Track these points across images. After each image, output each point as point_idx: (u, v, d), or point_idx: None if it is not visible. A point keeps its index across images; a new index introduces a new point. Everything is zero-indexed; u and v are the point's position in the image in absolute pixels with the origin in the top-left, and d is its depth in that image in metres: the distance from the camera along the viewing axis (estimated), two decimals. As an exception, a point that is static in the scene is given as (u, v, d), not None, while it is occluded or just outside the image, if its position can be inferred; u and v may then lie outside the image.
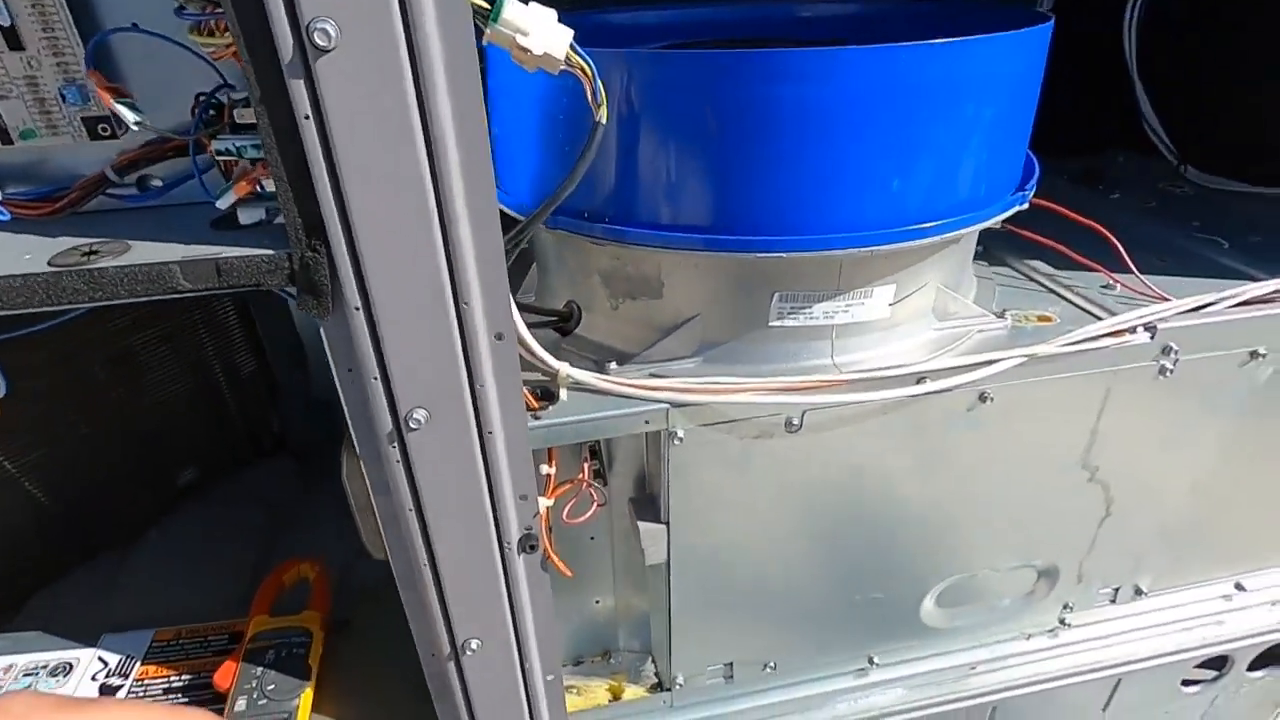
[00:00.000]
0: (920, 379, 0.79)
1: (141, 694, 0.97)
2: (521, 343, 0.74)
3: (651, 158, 0.70)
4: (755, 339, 0.79)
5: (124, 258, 0.59)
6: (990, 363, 0.80)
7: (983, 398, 0.83)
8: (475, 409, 0.69)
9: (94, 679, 0.99)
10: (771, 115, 0.65)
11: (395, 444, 0.69)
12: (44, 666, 1.01)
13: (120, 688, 0.98)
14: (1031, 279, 1.00)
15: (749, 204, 0.69)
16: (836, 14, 1.10)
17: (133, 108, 0.58)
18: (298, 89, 0.51)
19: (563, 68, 0.61)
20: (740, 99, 0.65)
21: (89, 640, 1.05)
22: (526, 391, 0.79)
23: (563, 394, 0.78)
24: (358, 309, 0.61)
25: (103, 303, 0.58)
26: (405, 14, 0.51)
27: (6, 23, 0.58)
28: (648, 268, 0.78)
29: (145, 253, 0.60)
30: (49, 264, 0.58)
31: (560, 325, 0.90)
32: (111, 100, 0.56)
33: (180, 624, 1.09)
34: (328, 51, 0.50)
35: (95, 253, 0.60)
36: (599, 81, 0.62)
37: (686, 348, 0.81)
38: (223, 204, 0.59)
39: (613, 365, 0.81)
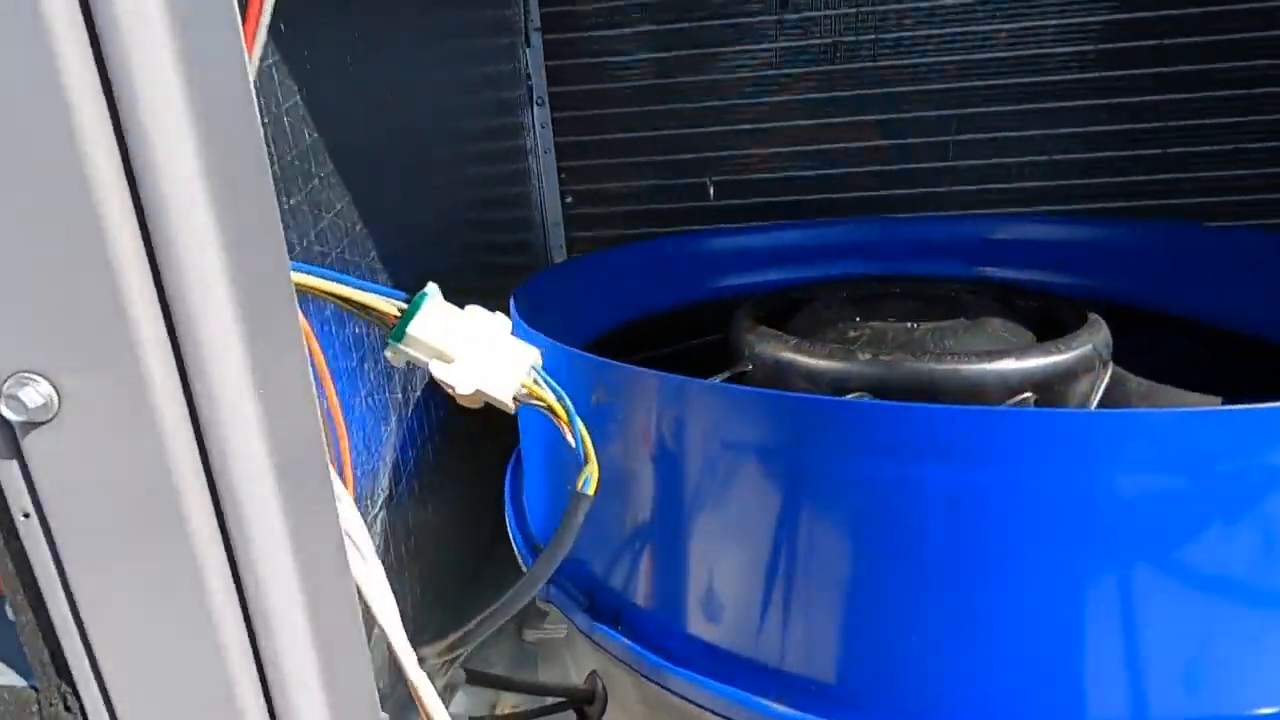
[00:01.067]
0: None
1: None
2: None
3: (709, 565, 0.40)
4: None
5: None
6: None
7: None
8: None
9: None
10: (945, 533, 0.33)
11: None
12: None
13: None
14: None
15: (894, 671, 0.35)
16: (1031, 239, 0.77)
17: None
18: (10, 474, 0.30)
19: (520, 404, 0.36)
20: (898, 510, 0.34)
21: None
22: None
23: None
24: (130, 795, 0.36)
25: None
26: (179, 357, 0.28)
27: None
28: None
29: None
30: None
31: (579, 708, 0.59)
32: None
33: None
34: (39, 424, 0.28)
35: None
36: (581, 429, 0.36)
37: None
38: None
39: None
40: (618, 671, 0.53)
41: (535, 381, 0.35)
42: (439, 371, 0.34)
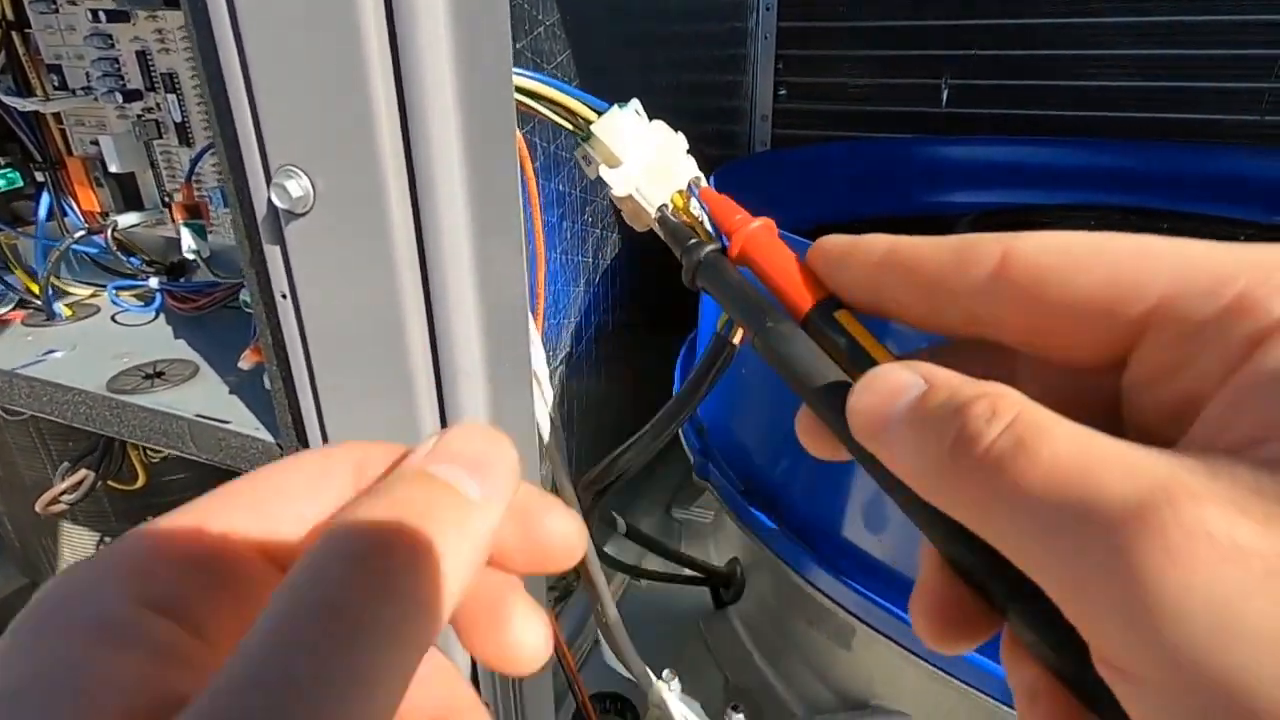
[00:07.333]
0: None
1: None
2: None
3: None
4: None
5: (168, 391, 0.50)
6: None
7: None
8: None
9: None
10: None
11: None
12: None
13: None
14: None
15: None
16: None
17: (200, 232, 0.48)
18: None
19: (660, 215, 0.34)
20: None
21: None
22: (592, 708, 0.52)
23: (645, 730, 0.50)
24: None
25: (121, 438, 0.50)
26: (410, 168, 0.30)
27: (178, 119, 0.55)
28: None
29: (194, 389, 0.51)
30: (108, 384, 0.51)
31: (715, 587, 0.61)
32: (181, 221, 0.47)
33: None
34: (299, 215, 0.32)
35: (160, 375, 0.52)
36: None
37: (870, 750, 0.45)
38: (244, 364, 0.46)
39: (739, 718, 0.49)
40: (759, 562, 0.53)
41: (686, 198, 0.33)
42: (605, 173, 0.34)
